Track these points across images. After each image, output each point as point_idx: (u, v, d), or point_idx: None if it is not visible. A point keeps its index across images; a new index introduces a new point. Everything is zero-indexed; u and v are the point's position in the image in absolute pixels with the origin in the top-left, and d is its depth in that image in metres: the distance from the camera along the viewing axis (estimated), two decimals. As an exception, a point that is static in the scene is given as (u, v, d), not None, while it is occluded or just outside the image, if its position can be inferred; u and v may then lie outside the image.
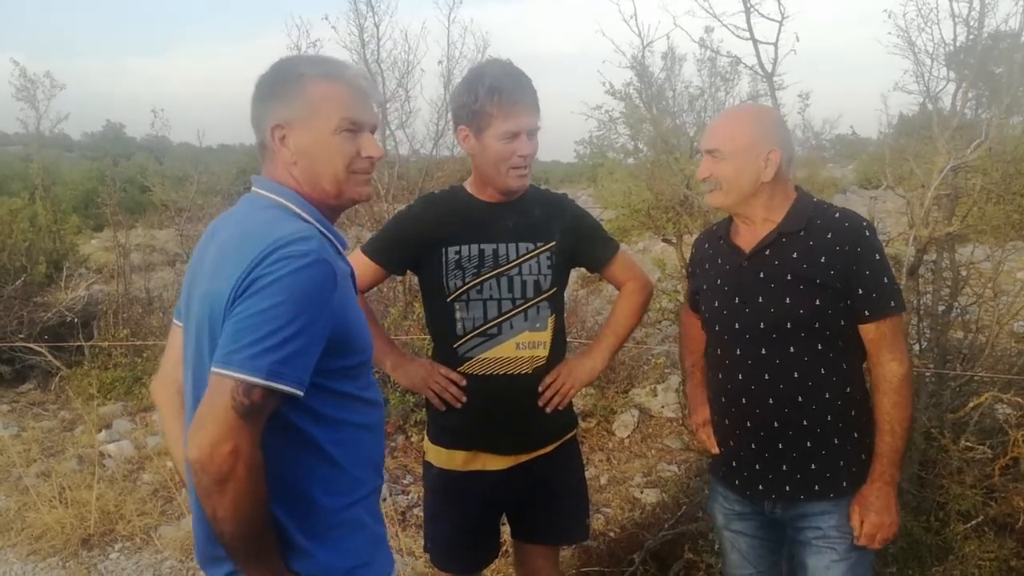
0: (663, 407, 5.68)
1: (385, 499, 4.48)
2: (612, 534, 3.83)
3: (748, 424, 2.13)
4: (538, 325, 2.33)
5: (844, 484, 2.08)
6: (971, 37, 3.45)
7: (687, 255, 6.06)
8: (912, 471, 3.33)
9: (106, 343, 6.92)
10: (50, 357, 6.77)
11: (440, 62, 6.33)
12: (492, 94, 2.17)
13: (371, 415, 1.68)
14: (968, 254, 3.69)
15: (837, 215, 2.09)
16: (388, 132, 6.25)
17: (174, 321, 1.79)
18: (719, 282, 2.20)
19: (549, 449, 2.43)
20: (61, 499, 4.49)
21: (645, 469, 4.90)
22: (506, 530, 2.63)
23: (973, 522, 3.13)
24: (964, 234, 3.52)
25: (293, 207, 1.58)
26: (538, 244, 2.34)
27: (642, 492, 4.50)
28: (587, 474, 4.82)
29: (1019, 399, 3.22)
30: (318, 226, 1.58)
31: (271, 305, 1.38)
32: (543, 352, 2.35)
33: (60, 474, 4.92)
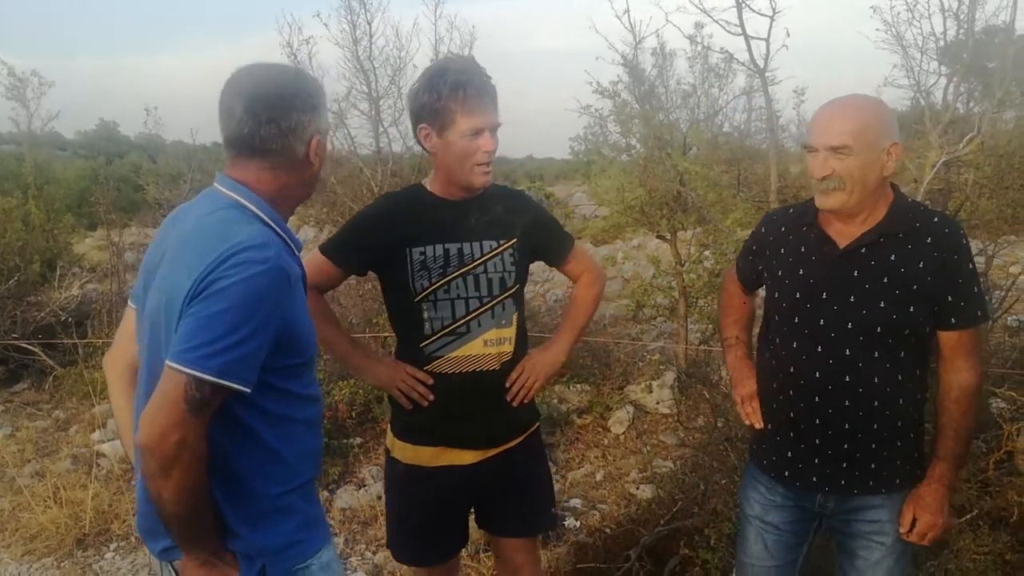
0: (658, 403, 5.69)
1: (381, 497, 4.47)
2: (608, 530, 3.83)
3: (816, 421, 2.09)
4: (504, 322, 2.35)
5: (898, 481, 2.09)
6: (961, 31, 3.45)
7: (681, 251, 6.08)
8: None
9: (100, 342, 6.89)
10: (44, 357, 6.75)
11: (432, 60, 6.31)
12: (455, 91, 2.16)
13: (311, 411, 1.77)
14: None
15: (936, 219, 2.02)
16: (381, 129, 6.24)
17: (129, 302, 1.86)
18: (802, 272, 2.11)
19: (515, 443, 2.46)
20: (56, 499, 4.48)
21: (640, 465, 4.91)
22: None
23: (968, 516, 3.13)
24: (957, 229, 3.52)
25: (252, 207, 1.65)
26: (501, 241, 2.35)
27: (638, 488, 4.50)
28: (583, 471, 4.87)
29: (1013, 393, 3.24)
30: (276, 228, 1.66)
31: (226, 308, 1.46)
32: (509, 348, 2.37)
33: (55, 474, 4.90)
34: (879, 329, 1.99)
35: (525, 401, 2.43)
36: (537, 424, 2.57)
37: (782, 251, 2.17)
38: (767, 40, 3.61)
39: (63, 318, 7.32)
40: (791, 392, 2.13)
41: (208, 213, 1.63)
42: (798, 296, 2.10)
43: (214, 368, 1.44)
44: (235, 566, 1.62)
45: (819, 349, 2.06)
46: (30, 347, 6.70)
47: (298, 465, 1.73)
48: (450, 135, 2.20)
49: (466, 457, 2.40)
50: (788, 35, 3.65)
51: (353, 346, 2.53)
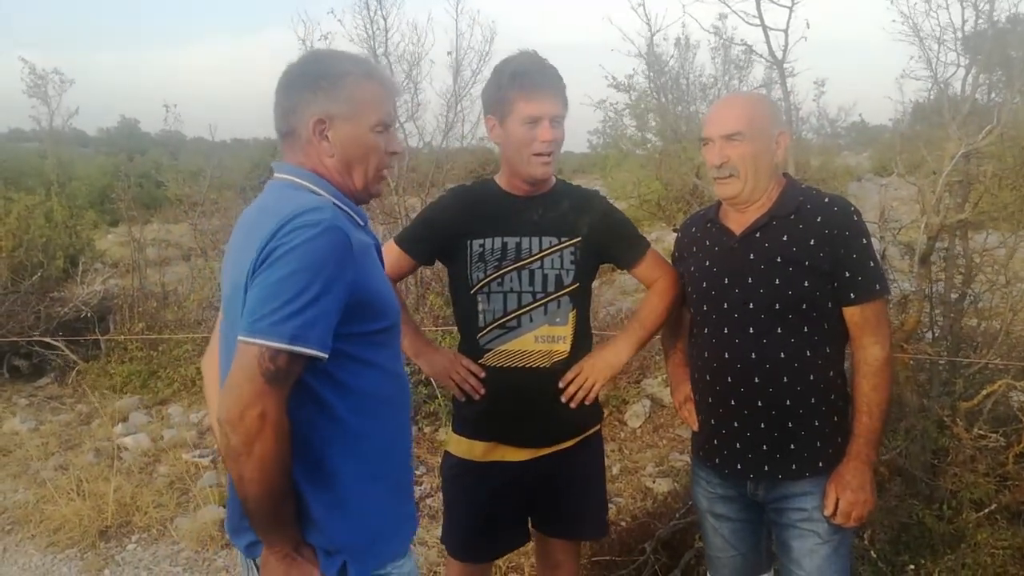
0: (675, 397, 5.67)
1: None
2: (623, 523, 3.83)
3: (732, 402, 2.16)
4: (558, 320, 2.32)
5: (820, 464, 2.12)
6: (980, 20, 3.41)
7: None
8: (925, 459, 3.32)
9: (122, 337, 6.98)
10: (67, 351, 6.84)
11: (449, 53, 6.33)
12: (514, 80, 2.19)
13: (393, 387, 1.71)
14: (981, 241, 3.65)
15: (826, 200, 2.12)
16: (398, 124, 6.25)
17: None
18: (708, 263, 2.22)
19: (570, 444, 2.41)
20: (79, 492, 4.54)
21: (657, 459, 4.90)
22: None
23: (986, 510, 3.11)
24: (977, 221, 3.49)
25: (310, 185, 1.65)
26: (562, 239, 2.33)
27: (654, 482, 4.50)
28: (598, 464, 4.86)
29: (1033, 387, 3.20)
30: (334, 200, 1.64)
31: (288, 273, 1.44)
32: (563, 347, 2.33)
33: (77, 467, 4.97)
34: (777, 306, 2.07)
35: (586, 403, 2.37)
36: (598, 427, 2.52)
37: (694, 249, 2.31)
38: (785, 31, 3.58)
39: (85, 313, 7.40)
40: (708, 376, 2.21)
41: (266, 197, 1.67)
42: (705, 285, 2.21)
43: (285, 334, 1.42)
44: (315, 562, 1.56)
45: (726, 331, 2.15)
46: (53, 342, 6.79)
47: (385, 450, 1.67)
48: (509, 123, 2.23)
49: (517, 454, 2.38)
50: (808, 26, 3.62)
51: (418, 333, 2.54)
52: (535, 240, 2.32)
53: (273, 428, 1.43)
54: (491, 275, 2.30)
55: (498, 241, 2.31)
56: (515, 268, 2.30)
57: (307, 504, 1.57)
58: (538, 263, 2.31)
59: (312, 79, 1.64)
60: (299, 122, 1.65)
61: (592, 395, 2.38)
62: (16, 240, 7.64)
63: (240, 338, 1.44)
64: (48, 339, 6.83)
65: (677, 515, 3.56)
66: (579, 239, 2.34)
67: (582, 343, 2.39)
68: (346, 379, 1.58)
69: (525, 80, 2.19)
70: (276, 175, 1.70)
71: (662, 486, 4.38)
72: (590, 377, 2.36)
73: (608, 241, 2.41)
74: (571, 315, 2.34)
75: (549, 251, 2.32)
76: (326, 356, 1.48)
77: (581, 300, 2.37)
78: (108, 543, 4.22)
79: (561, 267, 2.32)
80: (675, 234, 2.55)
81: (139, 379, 6.63)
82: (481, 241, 2.31)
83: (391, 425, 1.69)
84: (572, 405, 2.35)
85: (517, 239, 2.31)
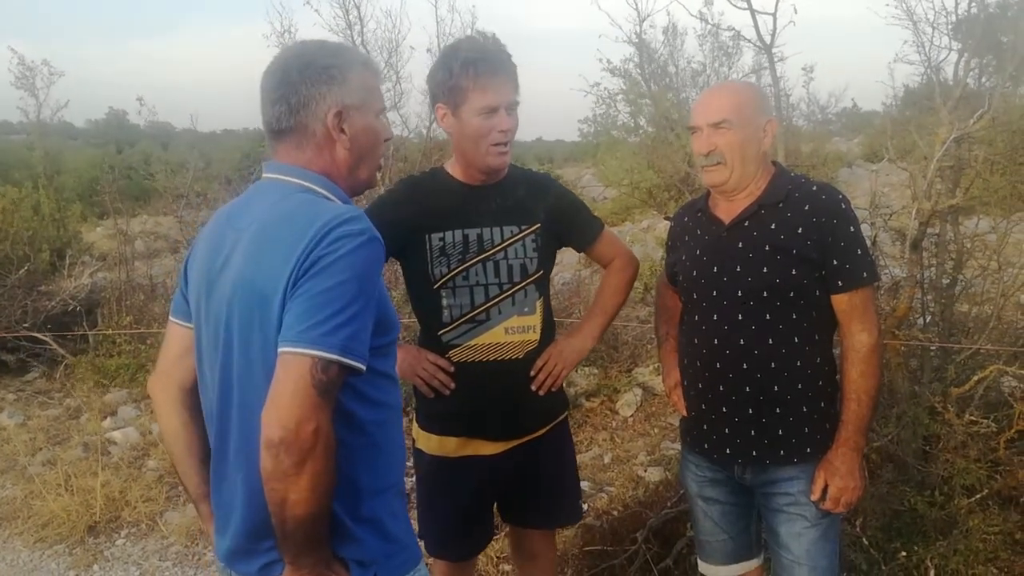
0: (667, 385, 5.66)
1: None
2: (615, 512, 3.82)
3: (721, 388, 2.17)
4: (526, 309, 2.29)
5: (808, 450, 2.13)
6: (973, 4, 3.39)
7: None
8: (916, 446, 3.31)
9: (110, 331, 6.92)
10: (55, 345, 6.78)
11: (429, 50, 6.28)
12: (467, 68, 2.11)
13: (398, 395, 1.67)
14: (973, 226, 3.64)
15: (815, 188, 2.12)
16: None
17: (172, 319, 1.74)
18: (698, 252, 2.22)
19: (541, 432, 2.40)
20: (67, 487, 4.51)
21: (648, 448, 4.90)
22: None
23: (978, 496, 3.11)
24: (968, 206, 3.48)
25: (322, 191, 1.58)
26: (522, 227, 2.29)
27: (645, 470, 4.49)
28: (591, 453, 4.86)
29: (1024, 372, 3.20)
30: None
31: (338, 283, 1.39)
32: (534, 336, 2.31)
33: (66, 462, 4.92)
34: (765, 293, 2.08)
35: (553, 389, 2.37)
36: (566, 413, 2.51)
37: (686, 238, 2.32)
38: (774, 15, 3.55)
39: (73, 307, 7.34)
40: (698, 363, 2.22)
41: (279, 200, 1.55)
42: (695, 274, 2.22)
43: (336, 345, 1.35)
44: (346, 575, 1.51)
45: (715, 318, 2.16)
46: (41, 336, 6.74)
47: (395, 456, 1.63)
48: (464, 113, 2.16)
49: (490, 448, 2.35)
50: (796, 12, 3.59)
51: None
52: (496, 230, 2.27)
53: (325, 444, 1.35)
54: (455, 269, 2.24)
55: (459, 234, 2.25)
56: (479, 260, 2.25)
57: (339, 518, 1.49)
58: (502, 253, 2.27)
59: (323, 70, 1.56)
60: (312, 116, 1.57)
61: (559, 382, 2.39)
62: (2, 233, 7.56)
63: (287, 349, 1.35)
64: (36, 333, 6.77)
65: (669, 504, 3.55)
66: (538, 225, 2.31)
67: (549, 330, 2.39)
68: (367, 391, 1.53)
69: (480, 67, 2.11)
70: (274, 176, 1.61)
71: (654, 475, 4.37)
72: (558, 364, 2.36)
73: (565, 225, 2.40)
74: (538, 303, 2.32)
75: (511, 240, 2.28)
76: (364, 368, 1.42)
77: (544, 287, 2.37)
78: (97, 538, 4.19)
79: (524, 256, 2.29)
80: (666, 222, 2.54)
81: (127, 373, 6.58)
82: (441, 235, 2.24)
83: (398, 432, 1.65)
84: (541, 392, 2.35)
85: (478, 230, 2.26)
